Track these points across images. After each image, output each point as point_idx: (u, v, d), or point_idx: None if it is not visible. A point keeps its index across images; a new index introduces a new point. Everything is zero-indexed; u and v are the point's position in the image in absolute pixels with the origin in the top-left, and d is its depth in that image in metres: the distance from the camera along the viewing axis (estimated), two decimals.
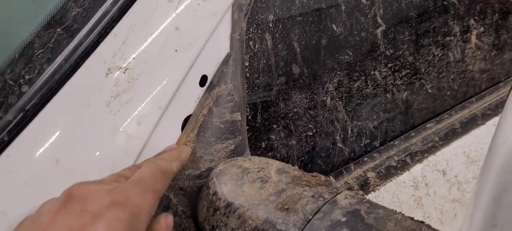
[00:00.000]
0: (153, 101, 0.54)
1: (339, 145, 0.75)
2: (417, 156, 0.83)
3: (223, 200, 0.47)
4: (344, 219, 0.43)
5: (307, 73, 0.68)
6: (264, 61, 0.63)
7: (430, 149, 0.85)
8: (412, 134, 0.85)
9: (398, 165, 0.81)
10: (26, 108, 0.50)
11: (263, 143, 0.66)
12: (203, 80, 0.58)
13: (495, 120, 0.95)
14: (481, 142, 0.94)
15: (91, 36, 0.52)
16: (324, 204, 0.45)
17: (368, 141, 0.79)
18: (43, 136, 0.50)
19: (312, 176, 0.50)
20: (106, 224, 0.37)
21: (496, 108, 0.95)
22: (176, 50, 0.55)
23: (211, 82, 0.58)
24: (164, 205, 0.54)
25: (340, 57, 0.71)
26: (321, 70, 0.70)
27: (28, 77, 0.52)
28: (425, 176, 0.85)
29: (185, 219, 0.52)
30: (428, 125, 0.86)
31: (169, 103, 0.56)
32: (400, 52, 0.78)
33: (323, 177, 0.50)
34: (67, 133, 0.51)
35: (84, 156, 0.52)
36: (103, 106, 0.52)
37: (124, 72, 0.53)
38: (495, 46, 0.92)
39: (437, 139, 0.86)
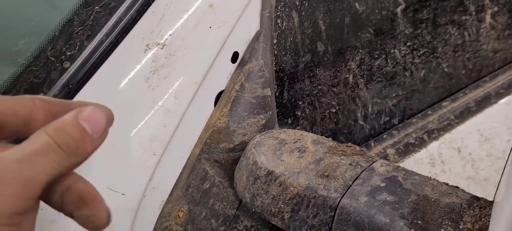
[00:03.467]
0: (189, 77, 0.56)
1: (360, 122, 0.77)
2: (433, 134, 0.85)
3: (264, 169, 0.49)
4: (383, 184, 0.45)
5: (331, 51, 0.70)
6: (291, 39, 0.65)
7: (446, 127, 0.87)
8: (429, 112, 0.86)
9: (416, 142, 0.83)
10: (70, 84, 0.51)
11: (289, 119, 0.68)
12: (234, 56, 0.60)
13: (507, 99, 0.97)
14: (494, 121, 0.96)
15: (129, 13, 0.53)
16: (362, 171, 0.47)
17: (388, 118, 0.81)
18: None
19: (347, 146, 0.51)
20: None
21: (509, 87, 0.97)
22: (210, 27, 0.56)
23: (242, 58, 0.60)
24: (200, 177, 0.56)
25: (362, 35, 0.73)
26: (344, 48, 0.71)
27: (69, 53, 0.53)
28: (441, 153, 0.87)
29: (223, 189, 0.54)
30: (444, 103, 0.88)
31: (203, 79, 0.57)
32: (419, 31, 0.79)
33: (357, 147, 0.51)
34: (110, 106, 0.52)
35: (125, 130, 0.53)
36: (143, 81, 0.54)
37: (162, 48, 0.54)
38: (508, 26, 0.93)
39: (452, 117, 0.88)
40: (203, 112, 0.59)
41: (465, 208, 0.42)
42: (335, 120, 0.73)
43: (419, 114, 0.85)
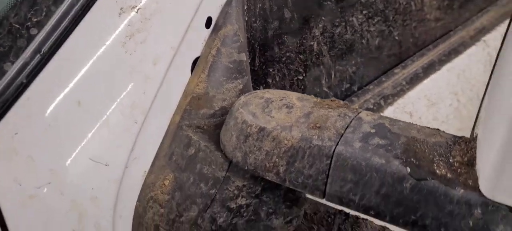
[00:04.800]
0: (166, 42, 0.54)
1: (325, 89, 0.79)
2: (389, 99, 0.90)
3: (255, 126, 0.49)
4: (373, 131, 0.47)
5: (297, 18, 0.71)
6: (260, 5, 0.65)
7: (399, 92, 0.92)
8: (383, 79, 0.91)
9: (374, 108, 0.86)
10: (40, 51, 0.48)
11: (261, 87, 0.68)
12: (208, 22, 0.59)
13: (449, 66, 1.04)
14: (438, 86, 1.03)
15: None
16: (351, 120, 0.48)
17: (348, 85, 0.84)
18: (63, 78, 0.49)
19: (331, 100, 0.53)
20: None
21: (449, 55, 1.04)
22: None
23: (216, 23, 0.59)
24: (184, 144, 0.55)
25: (324, 3, 0.75)
26: (308, 16, 0.73)
27: (35, 20, 0.49)
28: (396, 117, 0.92)
29: (210, 153, 0.53)
30: (396, 70, 0.93)
31: (180, 44, 0.56)
32: (373, 0, 0.83)
33: (341, 101, 0.53)
34: (86, 74, 0.50)
35: (105, 97, 0.51)
36: (119, 46, 0.51)
37: (137, 12, 0.52)
38: None
39: (404, 83, 0.93)
40: (181, 79, 0.57)
41: (451, 144, 0.45)
42: (302, 86, 0.75)
43: (375, 81, 0.89)
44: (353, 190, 0.44)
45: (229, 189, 0.52)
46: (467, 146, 0.44)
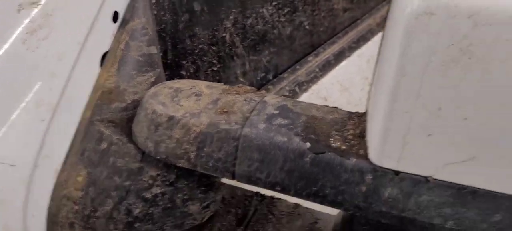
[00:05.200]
0: (71, 37, 0.54)
1: (241, 79, 0.82)
2: (303, 86, 0.94)
3: (164, 115, 0.50)
4: (276, 112, 0.50)
5: (207, 10, 0.73)
6: None
7: (313, 79, 0.97)
8: (297, 67, 0.95)
9: (290, 95, 0.90)
10: None
11: (175, 79, 0.69)
12: (115, 16, 0.59)
13: (359, 52, 1.11)
14: (350, 72, 1.09)
15: None
16: (257, 104, 0.51)
17: (263, 74, 0.87)
18: None
19: (239, 87, 0.55)
20: None
21: (358, 42, 1.11)
22: None
23: (123, 17, 0.60)
24: (96, 139, 0.55)
25: None
26: (218, 8, 0.75)
27: None
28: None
29: (122, 145, 0.53)
30: (309, 58, 0.98)
31: (86, 39, 0.56)
32: None
33: (248, 87, 0.55)
34: None
35: (8, 97, 0.50)
36: (20, 44, 0.50)
37: (37, 8, 0.52)
38: None
39: (317, 70, 0.98)
40: (90, 74, 0.57)
41: (346, 120, 0.49)
42: (217, 77, 0.77)
43: (289, 69, 0.94)
44: (260, 168, 0.47)
45: (144, 179, 0.53)
46: (359, 119, 0.49)
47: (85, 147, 0.55)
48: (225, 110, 0.50)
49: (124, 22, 0.59)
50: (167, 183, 0.53)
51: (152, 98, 0.53)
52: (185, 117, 0.50)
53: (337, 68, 1.05)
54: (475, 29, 0.39)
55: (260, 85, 0.87)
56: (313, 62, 0.99)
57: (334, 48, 1.05)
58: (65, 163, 0.55)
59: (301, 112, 0.50)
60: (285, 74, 0.93)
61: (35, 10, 0.51)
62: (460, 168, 0.42)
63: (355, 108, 1.16)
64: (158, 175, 0.53)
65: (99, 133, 0.55)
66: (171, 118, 0.50)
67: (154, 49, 0.61)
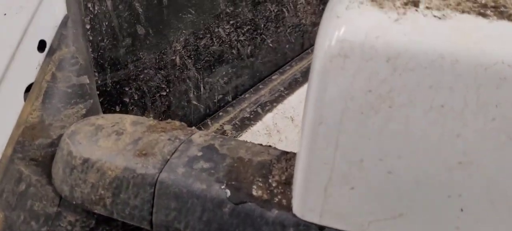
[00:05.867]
0: None
1: (194, 102, 0.78)
2: (267, 106, 0.90)
3: (79, 158, 0.46)
4: (200, 154, 0.46)
5: (153, 34, 0.69)
6: (107, 23, 0.63)
7: (278, 98, 0.93)
8: (260, 86, 0.91)
9: (251, 116, 0.87)
10: None
11: (117, 107, 0.65)
12: (41, 45, 0.55)
13: None
14: None
15: None
16: (181, 144, 0.47)
17: (221, 96, 0.83)
18: None
19: (167, 122, 0.51)
20: None
21: None
22: (5, 14, 0.51)
23: (51, 46, 0.56)
24: (15, 179, 0.51)
25: (184, 16, 0.73)
26: (166, 30, 0.71)
27: None
28: (276, 124, 0.93)
29: (41, 187, 0.50)
30: (273, 77, 0.94)
31: (6, 71, 0.52)
32: (240, 9, 0.83)
33: (177, 123, 0.52)
34: None
35: None
36: None
37: None
38: (322, 1, 1.03)
39: (282, 88, 0.94)
40: (12, 108, 0.53)
41: (274, 163, 0.45)
42: (167, 102, 0.73)
43: (251, 89, 0.90)
44: (178, 218, 0.43)
45: (62, 225, 0.49)
46: (287, 163, 0.45)
47: (4, 187, 0.51)
48: (144, 152, 0.47)
49: (51, 51, 0.56)
50: (87, 228, 0.49)
51: (69, 138, 0.49)
52: (101, 159, 0.46)
53: (305, 85, 1.01)
54: (395, 74, 0.35)
55: (218, 107, 0.83)
56: (278, 80, 0.95)
57: (303, 64, 1.01)
58: None
59: (227, 153, 0.46)
60: (247, 95, 0.89)
61: None
62: (387, 226, 0.38)
63: None
64: (76, 220, 0.49)
65: (19, 172, 0.51)
66: (86, 161, 0.46)
67: (85, 79, 0.57)
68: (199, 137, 0.49)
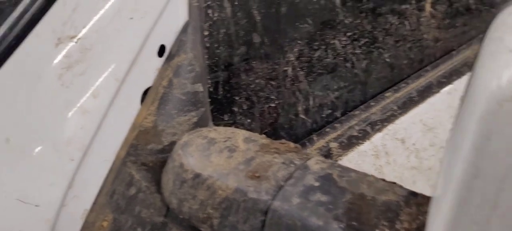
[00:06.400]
0: (109, 73, 0.51)
1: (302, 116, 0.74)
2: (377, 125, 0.84)
3: (190, 172, 0.45)
4: (317, 184, 0.42)
5: (268, 43, 0.66)
6: (224, 31, 0.61)
7: (389, 117, 0.86)
8: (372, 103, 0.85)
9: (359, 135, 0.81)
10: None
11: (225, 116, 0.64)
12: (161, 50, 0.55)
13: (449, 88, 0.98)
14: (437, 110, 0.96)
15: (37, 2, 0.48)
16: (296, 170, 0.44)
17: (330, 111, 0.79)
18: None
19: (281, 143, 0.48)
20: None
21: (450, 77, 0.97)
22: (131, 18, 0.52)
23: (170, 52, 0.56)
24: (126, 182, 0.51)
25: (300, 26, 0.70)
26: (281, 39, 0.68)
27: None
28: (385, 145, 0.86)
29: (150, 194, 0.49)
30: (386, 94, 0.87)
31: (126, 75, 0.52)
32: (359, 21, 0.78)
33: (292, 144, 0.48)
34: (17, 109, 0.47)
35: (37, 134, 0.48)
36: (55, 79, 0.48)
37: (76, 42, 0.49)
38: (448, 15, 0.94)
39: (395, 107, 0.87)
40: (129, 111, 0.54)
41: (402, 205, 0.40)
42: (274, 114, 0.70)
43: (362, 106, 0.84)
44: None
45: None
46: (418, 209, 0.39)
47: (115, 189, 0.52)
48: (257, 174, 0.44)
49: (170, 57, 0.55)
50: None
51: (181, 149, 0.48)
52: (212, 176, 0.44)
53: (421, 105, 0.92)
54: None
55: (326, 123, 0.79)
56: (392, 98, 0.88)
57: (420, 82, 0.93)
58: (95, 202, 0.52)
59: (347, 187, 0.42)
60: (357, 112, 0.83)
61: (73, 44, 0.49)
62: None
63: (440, 151, 1.03)
64: None
65: (130, 176, 0.51)
66: (197, 176, 0.45)
67: (199, 87, 0.56)
68: (315, 163, 0.45)
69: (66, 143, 0.49)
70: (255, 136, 0.50)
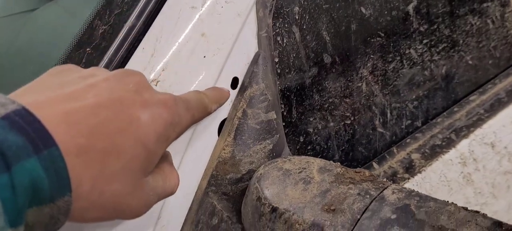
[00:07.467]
0: None
1: (379, 129, 0.73)
2: (462, 131, 0.80)
3: (268, 205, 0.47)
4: (394, 216, 0.42)
5: (339, 61, 0.66)
6: (294, 55, 0.62)
7: (476, 122, 0.81)
8: (455, 109, 0.81)
9: (443, 143, 0.78)
10: None
11: (301, 137, 0.65)
12: (234, 82, 0.57)
13: None
14: None
15: (119, 53, 0.52)
16: (372, 201, 0.44)
17: (409, 121, 0.76)
18: None
19: (356, 172, 0.48)
20: (150, 114, 0.38)
21: None
22: (204, 56, 0.54)
23: (242, 83, 0.58)
24: (209, 212, 0.54)
25: (372, 40, 0.68)
26: (353, 56, 0.67)
27: None
28: (472, 151, 0.82)
29: (231, 224, 0.52)
30: (471, 98, 0.83)
31: None
32: (435, 26, 0.74)
33: (367, 172, 0.48)
34: None
35: None
36: None
37: (156, 85, 0.53)
38: None
39: (482, 111, 0.82)
40: (208, 143, 0.57)
41: None
42: (351, 131, 0.70)
43: (444, 113, 0.80)
44: None
45: None
46: None
47: (199, 218, 0.55)
48: (332, 207, 0.44)
49: (243, 89, 0.57)
50: None
51: (258, 182, 0.49)
52: (289, 210, 0.45)
53: (511, 106, 0.86)
54: None
55: (406, 134, 0.77)
56: (477, 101, 0.83)
57: (508, 82, 0.86)
58: None
59: (426, 219, 0.41)
60: (439, 119, 0.80)
61: (154, 87, 0.52)
62: None
63: None
64: None
65: (212, 206, 0.54)
66: (274, 210, 0.46)
67: (272, 115, 0.58)
68: (392, 193, 0.44)
69: None
70: (330, 164, 0.50)
